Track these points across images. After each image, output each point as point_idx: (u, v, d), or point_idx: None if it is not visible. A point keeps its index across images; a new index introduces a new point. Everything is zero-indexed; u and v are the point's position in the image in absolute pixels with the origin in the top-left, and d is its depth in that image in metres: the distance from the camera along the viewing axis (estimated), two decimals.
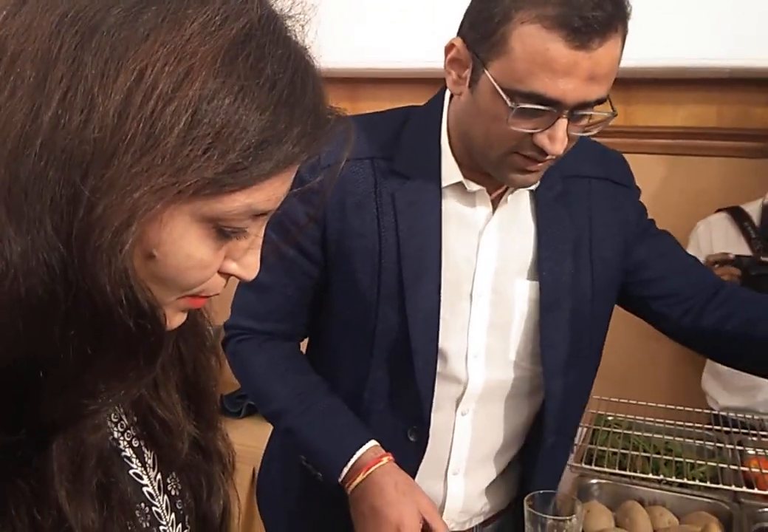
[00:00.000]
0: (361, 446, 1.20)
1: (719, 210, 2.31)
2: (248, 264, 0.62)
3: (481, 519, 1.40)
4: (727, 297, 1.31)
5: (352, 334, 1.27)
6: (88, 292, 0.51)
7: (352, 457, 1.19)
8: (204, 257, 0.57)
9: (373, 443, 1.21)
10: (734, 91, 2.27)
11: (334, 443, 1.22)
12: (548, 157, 1.08)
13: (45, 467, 0.54)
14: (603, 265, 1.29)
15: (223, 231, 0.56)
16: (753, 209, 2.25)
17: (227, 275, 0.62)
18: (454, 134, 1.20)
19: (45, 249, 0.50)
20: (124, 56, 0.50)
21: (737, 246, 2.24)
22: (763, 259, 2.07)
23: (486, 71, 1.05)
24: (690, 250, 2.31)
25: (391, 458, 1.20)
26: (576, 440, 1.63)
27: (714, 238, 2.28)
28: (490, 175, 1.17)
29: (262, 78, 0.53)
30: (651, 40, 2.12)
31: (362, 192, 1.20)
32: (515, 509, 1.40)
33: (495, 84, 1.04)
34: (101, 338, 0.53)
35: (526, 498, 1.22)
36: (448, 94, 1.21)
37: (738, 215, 2.25)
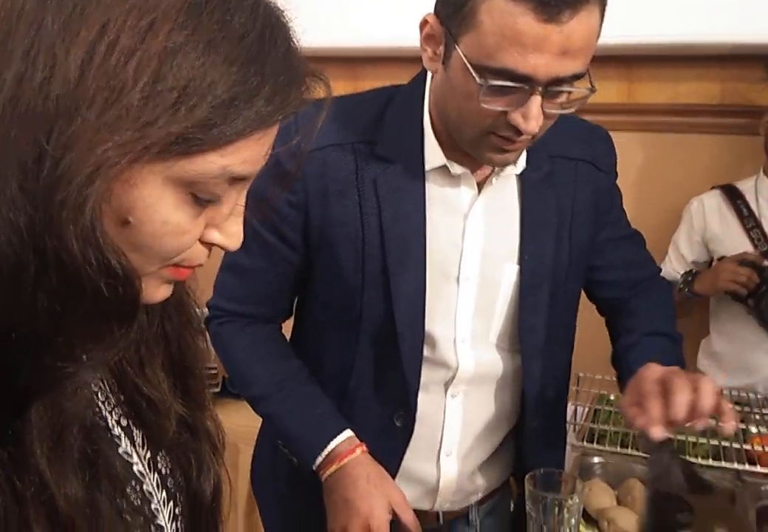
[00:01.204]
0: (335, 436, 1.21)
1: (713, 187, 2.30)
2: (231, 233, 0.60)
3: (477, 498, 1.40)
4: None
5: (338, 320, 1.27)
6: (56, 252, 0.50)
7: (326, 446, 1.20)
8: (181, 223, 0.56)
9: (348, 433, 1.22)
10: (736, 67, 2.25)
11: (309, 431, 1.23)
12: (524, 137, 1.06)
13: (24, 433, 0.54)
14: (579, 248, 1.29)
15: (199, 196, 0.55)
16: (746, 187, 2.24)
17: (210, 245, 0.61)
18: (434, 114, 1.18)
19: (11, 209, 0.49)
20: (85, 12, 0.49)
21: (730, 224, 2.23)
22: None
23: (457, 47, 1.02)
24: (683, 227, 2.32)
25: (365, 449, 1.21)
26: (576, 420, 1.63)
27: (707, 216, 2.28)
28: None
29: (229, 31, 0.52)
30: (651, 16, 2.11)
31: (344, 178, 1.18)
32: (511, 487, 1.41)
33: (465, 60, 1.01)
34: (72, 300, 0.52)
35: (527, 477, 1.22)
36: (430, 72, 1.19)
37: (731, 193, 2.24)
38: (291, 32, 0.57)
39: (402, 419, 1.27)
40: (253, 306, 1.31)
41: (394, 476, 1.26)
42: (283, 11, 0.57)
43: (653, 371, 1.13)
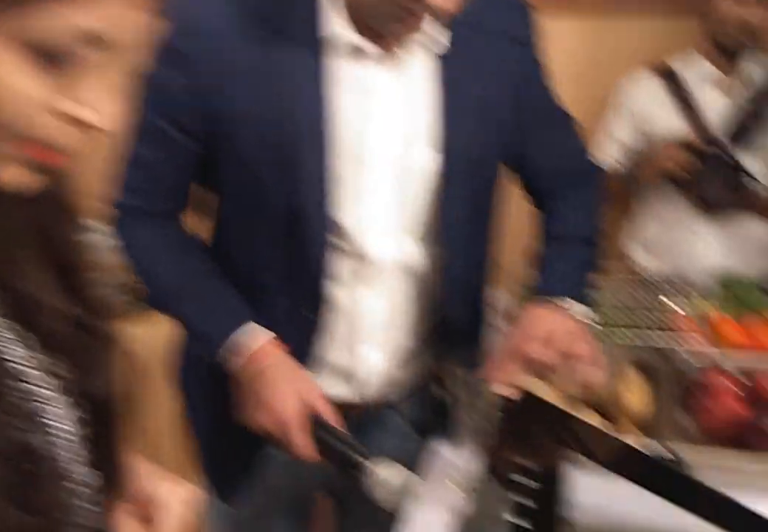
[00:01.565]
0: (238, 327, 1.19)
1: (646, 69, 2.27)
2: (86, 100, 0.54)
3: (404, 389, 1.39)
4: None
5: (244, 208, 1.23)
6: None
7: (230, 339, 1.18)
8: (24, 88, 0.51)
9: (252, 326, 1.20)
10: None
11: (217, 326, 1.22)
12: (431, 10, 1.02)
13: None
14: (502, 128, 1.26)
15: (50, 56, 0.50)
16: (679, 68, 2.22)
17: (68, 118, 0.54)
18: None
19: None
20: None
21: (665, 106, 2.21)
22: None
23: None
24: (617, 109, 2.29)
25: (277, 345, 1.20)
26: (501, 309, 1.64)
27: (642, 97, 2.25)
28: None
29: None
30: None
31: (240, 59, 1.12)
32: (440, 378, 1.42)
33: None
34: None
35: (452, 362, 1.23)
36: None
37: (665, 75, 2.22)
38: None
39: (311, 310, 1.25)
40: (152, 196, 1.26)
41: (310, 367, 1.26)
42: None
43: (530, 324, 1.23)
